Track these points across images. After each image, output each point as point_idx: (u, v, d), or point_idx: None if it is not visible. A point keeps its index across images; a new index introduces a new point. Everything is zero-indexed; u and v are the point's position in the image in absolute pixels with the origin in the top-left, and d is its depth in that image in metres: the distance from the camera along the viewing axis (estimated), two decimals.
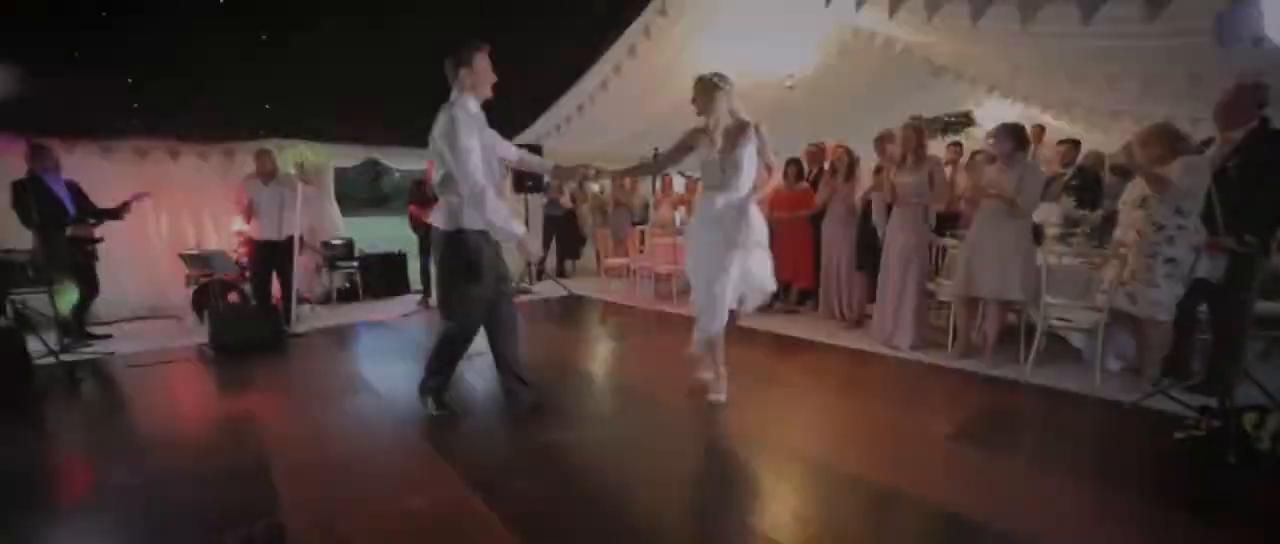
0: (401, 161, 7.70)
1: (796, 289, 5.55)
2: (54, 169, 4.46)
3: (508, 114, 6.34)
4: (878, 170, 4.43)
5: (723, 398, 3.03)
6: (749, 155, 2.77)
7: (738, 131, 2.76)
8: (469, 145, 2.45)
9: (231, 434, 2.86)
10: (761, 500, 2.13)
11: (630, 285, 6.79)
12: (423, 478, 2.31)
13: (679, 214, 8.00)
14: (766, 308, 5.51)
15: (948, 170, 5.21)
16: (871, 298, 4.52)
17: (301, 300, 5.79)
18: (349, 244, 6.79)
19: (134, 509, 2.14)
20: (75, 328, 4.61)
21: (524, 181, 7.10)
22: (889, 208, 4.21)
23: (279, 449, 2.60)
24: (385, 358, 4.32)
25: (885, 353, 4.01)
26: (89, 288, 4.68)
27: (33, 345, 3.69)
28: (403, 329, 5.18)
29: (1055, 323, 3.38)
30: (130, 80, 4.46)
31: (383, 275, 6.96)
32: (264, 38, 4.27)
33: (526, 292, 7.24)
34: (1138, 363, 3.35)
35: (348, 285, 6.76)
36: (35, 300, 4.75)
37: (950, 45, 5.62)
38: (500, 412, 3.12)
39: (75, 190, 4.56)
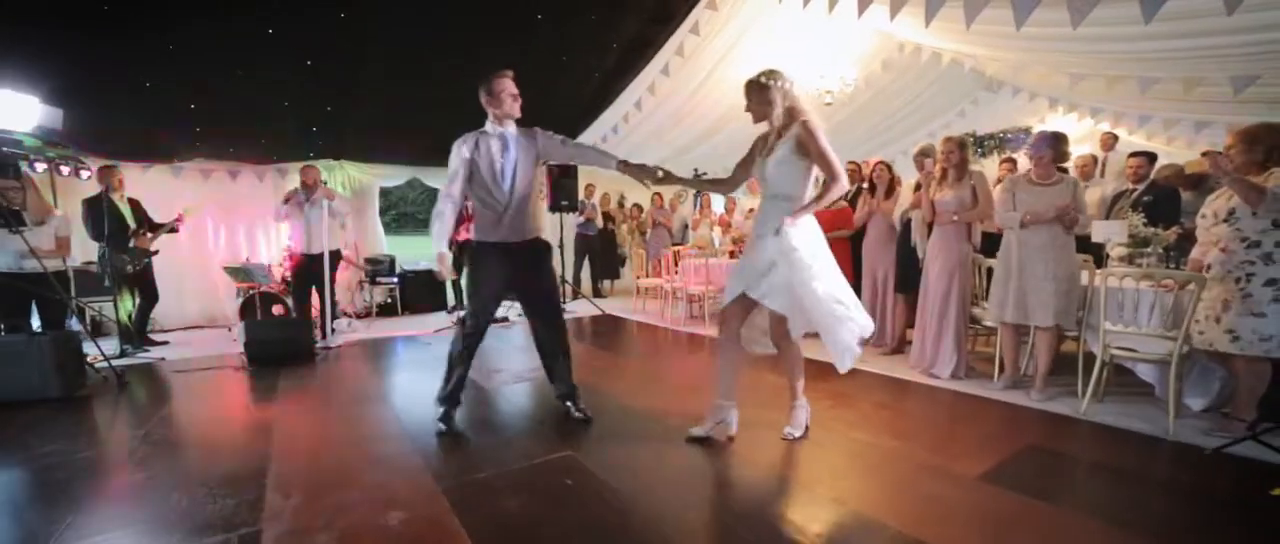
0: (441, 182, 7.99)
1: None
2: (119, 187, 4.88)
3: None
4: (917, 187, 4.16)
5: (705, 432, 2.72)
6: (791, 154, 2.44)
7: (785, 127, 2.49)
8: (447, 176, 2.84)
9: (239, 441, 2.92)
10: (763, 539, 1.93)
11: (663, 306, 6.66)
12: (407, 494, 2.26)
13: (716, 234, 7.84)
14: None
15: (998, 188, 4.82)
16: (912, 322, 4.20)
17: (341, 314, 6.01)
18: (391, 260, 7.03)
19: (129, 509, 2.19)
20: (135, 334, 4.95)
21: (558, 201, 7.15)
22: (930, 226, 3.93)
23: (279, 457, 2.63)
24: (407, 372, 4.37)
25: (923, 381, 3.68)
26: (147, 297, 5.04)
27: (104, 349, 4.01)
28: (433, 344, 5.25)
29: (1117, 352, 2.99)
30: (193, 107, 4.83)
31: (422, 291, 7.16)
32: (309, 63, 4.51)
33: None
34: (1229, 403, 2.90)
35: (388, 300, 6.98)
36: (109, 309, 5.17)
37: (1001, 55, 5.28)
38: (508, 429, 3.06)
39: (136, 206, 4.96)
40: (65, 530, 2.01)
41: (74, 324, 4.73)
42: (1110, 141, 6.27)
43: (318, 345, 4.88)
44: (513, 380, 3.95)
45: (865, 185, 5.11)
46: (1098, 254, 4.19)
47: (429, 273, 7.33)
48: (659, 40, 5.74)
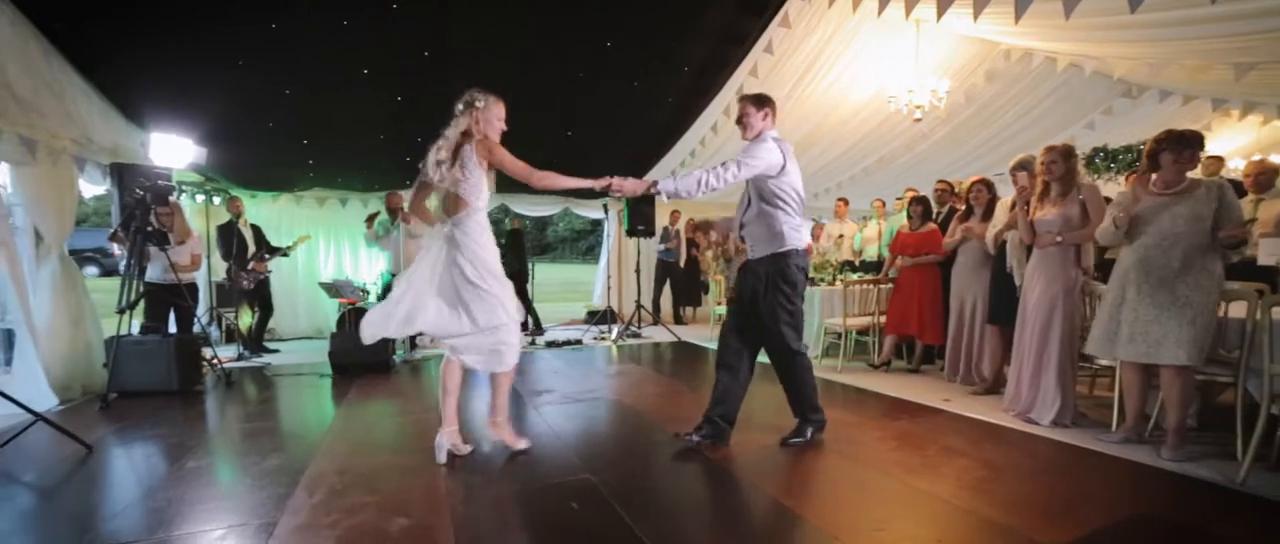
0: (531, 208, 8.40)
1: (921, 346, 4.70)
2: (241, 214, 5.69)
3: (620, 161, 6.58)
4: (1012, 205, 3.62)
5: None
6: (471, 170, 2.61)
7: (461, 141, 2.61)
8: (767, 164, 2.82)
9: (297, 439, 3.15)
10: None
11: None
12: (417, 502, 2.26)
13: None
14: (884, 366, 4.80)
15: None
16: (1009, 358, 3.60)
17: None
18: None
19: (186, 489, 2.40)
20: (253, 342, 5.65)
21: (635, 225, 7.16)
22: (1029, 249, 3.38)
23: (322, 457, 2.78)
24: (469, 387, 4.49)
25: (1016, 427, 3.11)
26: (264, 309, 5.77)
27: (224, 353, 4.64)
28: None
29: None
30: (305, 142, 5.51)
31: None
32: (399, 99, 4.97)
33: (636, 335, 7.20)
34: None
35: None
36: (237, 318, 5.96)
37: (1126, 51, 4.52)
38: (539, 448, 2.97)
39: (257, 231, 5.76)
40: (129, 507, 2.25)
41: (212, 330, 5.51)
42: None
43: (399, 358, 5.22)
44: (559, 401, 3.92)
45: (960, 208, 4.57)
46: (1273, 281, 3.36)
47: None
48: (732, 61, 5.64)
